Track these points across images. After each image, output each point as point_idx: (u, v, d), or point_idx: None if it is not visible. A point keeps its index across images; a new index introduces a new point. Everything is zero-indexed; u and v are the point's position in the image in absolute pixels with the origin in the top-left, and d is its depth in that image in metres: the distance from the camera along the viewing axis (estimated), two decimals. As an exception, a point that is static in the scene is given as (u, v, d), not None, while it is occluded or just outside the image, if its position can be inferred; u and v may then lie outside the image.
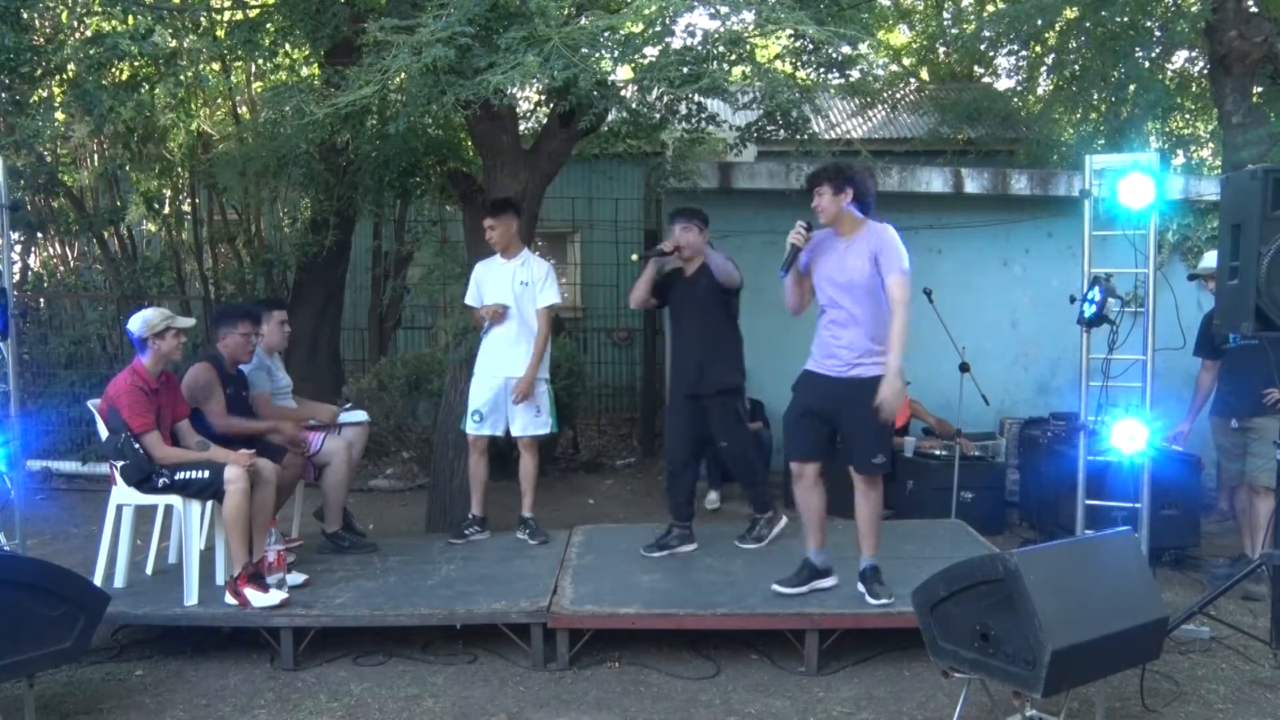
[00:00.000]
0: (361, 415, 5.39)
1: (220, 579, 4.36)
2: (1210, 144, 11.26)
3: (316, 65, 6.28)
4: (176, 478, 4.26)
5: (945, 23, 13.19)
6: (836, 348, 4.10)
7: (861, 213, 4.14)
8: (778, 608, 4.11)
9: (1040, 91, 11.89)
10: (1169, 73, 10.86)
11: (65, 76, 6.68)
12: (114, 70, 6.65)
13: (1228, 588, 4.32)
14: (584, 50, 4.09)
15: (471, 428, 5.24)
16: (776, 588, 4.20)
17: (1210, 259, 5.23)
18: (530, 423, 5.15)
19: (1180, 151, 11.17)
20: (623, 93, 5.41)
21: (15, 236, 7.89)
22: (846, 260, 4.06)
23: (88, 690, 3.89)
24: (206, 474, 4.25)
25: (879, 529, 4.21)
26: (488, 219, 5.16)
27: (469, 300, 5.35)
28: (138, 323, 4.28)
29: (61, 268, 8.94)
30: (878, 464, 4.08)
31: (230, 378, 4.77)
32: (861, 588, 4.14)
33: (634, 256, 4.55)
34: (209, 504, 4.54)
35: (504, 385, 5.13)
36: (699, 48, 4.71)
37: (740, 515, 6.66)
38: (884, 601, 4.05)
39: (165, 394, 4.36)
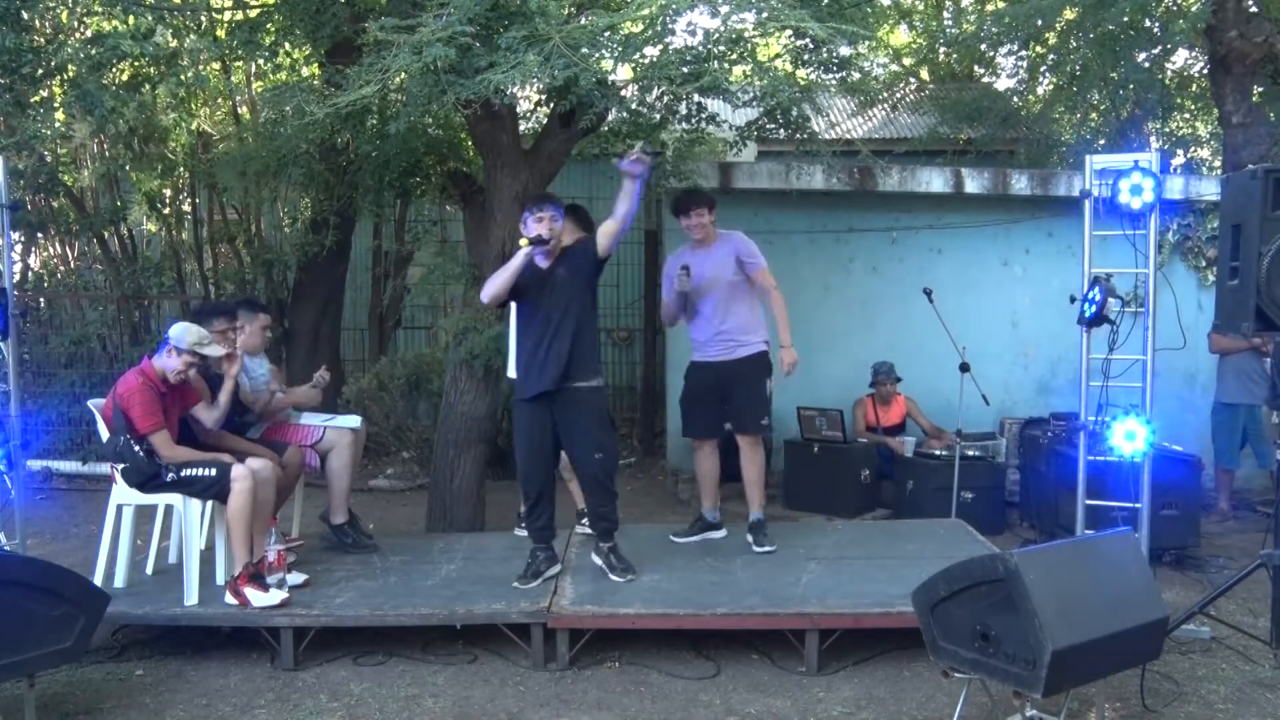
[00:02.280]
0: (354, 420, 5.27)
1: (220, 579, 4.36)
2: (1210, 144, 11.26)
3: (317, 65, 6.27)
4: (183, 474, 4.27)
5: (945, 23, 13.20)
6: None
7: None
8: (777, 607, 4.12)
9: (1040, 91, 11.89)
10: (1169, 73, 10.86)
11: (65, 77, 6.68)
12: (115, 71, 6.65)
13: (1228, 588, 4.32)
14: (584, 50, 4.09)
15: None
16: (674, 538, 5.21)
17: None
18: None
19: (1180, 151, 11.17)
20: (623, 93, 5.41)
21: (15, 236, 7.89)
22: (710, 266, 5.01)
23: (88, 690, 3.89)
24: (213, 472, 4.25)
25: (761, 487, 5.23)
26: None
27: None
28: (178, 329, 4.30)
29: (62, 268, 8.95)
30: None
31: (220, 378, 4.74)
32: (749, 537, 5.02)
33: (523, 243, 4.40)
34: (209, 503, 4.55)
35: None
36: (699, 47, 4.71)
37: (740, 515, 6.66)
38: (768, 549, 4.91)
39: (173, 392, 4.37)
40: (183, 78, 7.04)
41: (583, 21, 4.30)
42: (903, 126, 12.33)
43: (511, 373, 5.21)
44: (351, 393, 7.93)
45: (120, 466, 4.29)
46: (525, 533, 4.83)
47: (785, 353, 4.94)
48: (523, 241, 4.32)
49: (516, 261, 4.34)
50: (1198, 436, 6.87)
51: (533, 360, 4.44)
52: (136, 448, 4.22)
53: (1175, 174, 8.74)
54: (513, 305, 4.75)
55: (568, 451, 4.63)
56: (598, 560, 4.59)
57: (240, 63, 8.06)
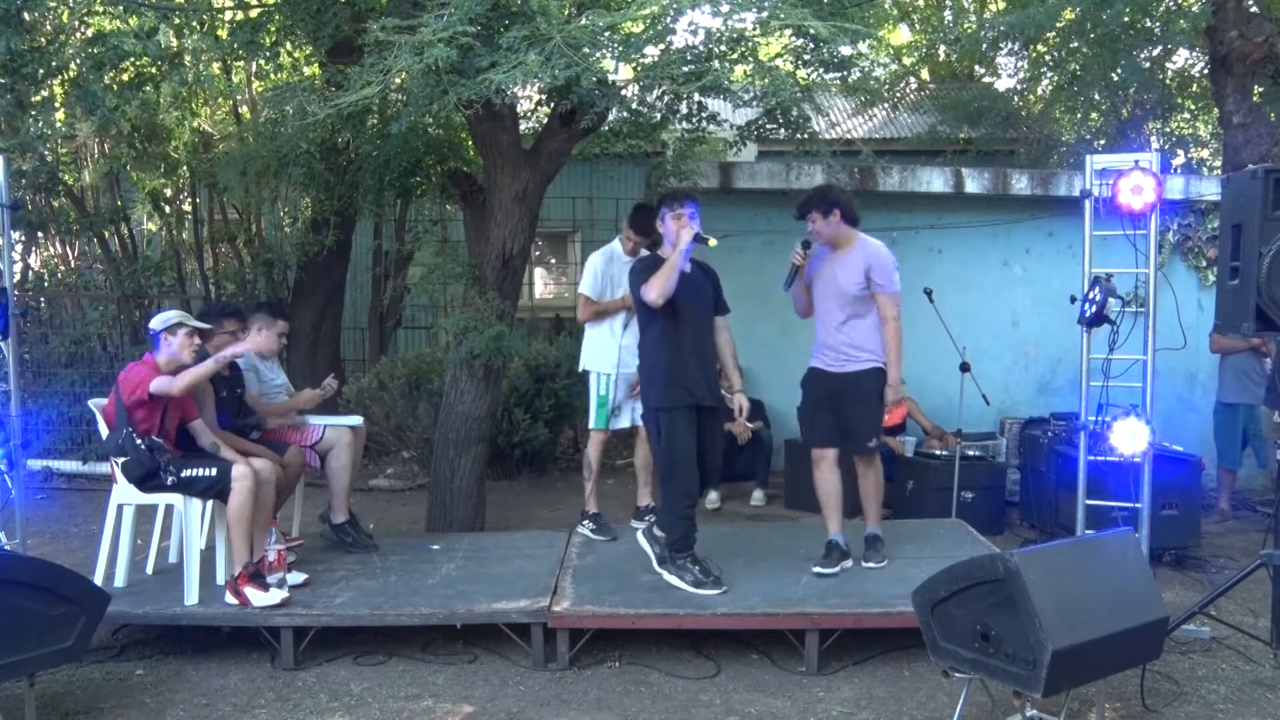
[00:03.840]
0: (354, 420, 5.30)
1: (220, 578, 4.36)
2: (1210, 144, 11.27)
3: (317, 65, 6.28)
4: (183, 475, 4.25)
5: (946, 22, 13.20)
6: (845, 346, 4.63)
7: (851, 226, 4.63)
8: (777, 607, 4.12)
9: (1040, 91, 11.89)
10: (1169, 73, 10.87)
11: (66, 77, 6.69)
12: (117, 70, 6.65)
13: (1228, 588, 4.32)
14: (585, 49, 4.09)
15: (606, 423, 5.36)
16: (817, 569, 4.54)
17: None
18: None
19: (1180, 151, 11.18)
20: (623, 92, 5.41)
21: (16, 236, 7.88)
22: (839, 271, 4.60)
23: (88, 689, 3.90)
24: (214, 472, 4.25)
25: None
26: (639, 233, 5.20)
27: (594, 292, 5.31)
28: (157, 319, 4.34)
29: (62, 267, 8.94)
30: None
31: (224, 379, 4.75)
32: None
33: (687, 234, 4.36)
34: (209, 503, 4.55)
35: (628, 379, 5.25)
36: (700, 46, 4.71)
37: (741, 515, 6.68)
38: (876, 564, 4.62)
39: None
40: (184, 77, 7.04)
41: (583, 21, 4.29)
42: (903, 126, 12.34)
43: (602, 368, 5.31)
44: (351, 392, 7.93)
45: (121, 461, 4.28)
46: (651, 538, 4.51)
47: (889, 390, 4.62)
48: (686, 233, 4.20)
49: (677, 258, 4.21)
50: (1198, 436, 6.88)
51: (687, 369, 4.34)
52: (139, 441, 4.21)
53: (1175, 174, 8.75)
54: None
55: (704, 455, 4.44)
56: (650, 547, 4.44)
57: (241, 63, 8.06)
